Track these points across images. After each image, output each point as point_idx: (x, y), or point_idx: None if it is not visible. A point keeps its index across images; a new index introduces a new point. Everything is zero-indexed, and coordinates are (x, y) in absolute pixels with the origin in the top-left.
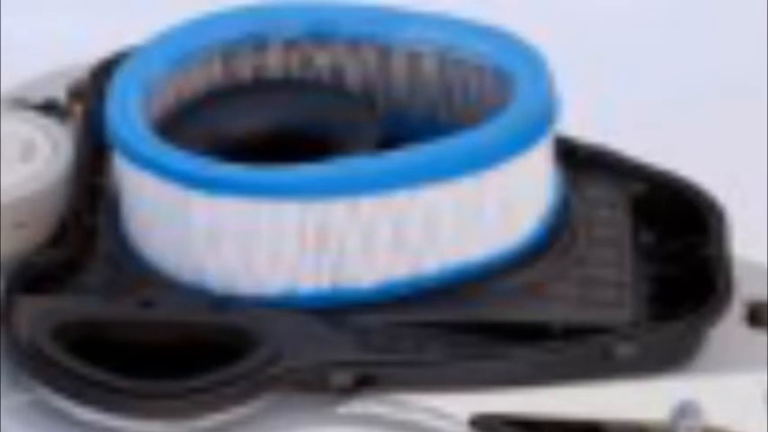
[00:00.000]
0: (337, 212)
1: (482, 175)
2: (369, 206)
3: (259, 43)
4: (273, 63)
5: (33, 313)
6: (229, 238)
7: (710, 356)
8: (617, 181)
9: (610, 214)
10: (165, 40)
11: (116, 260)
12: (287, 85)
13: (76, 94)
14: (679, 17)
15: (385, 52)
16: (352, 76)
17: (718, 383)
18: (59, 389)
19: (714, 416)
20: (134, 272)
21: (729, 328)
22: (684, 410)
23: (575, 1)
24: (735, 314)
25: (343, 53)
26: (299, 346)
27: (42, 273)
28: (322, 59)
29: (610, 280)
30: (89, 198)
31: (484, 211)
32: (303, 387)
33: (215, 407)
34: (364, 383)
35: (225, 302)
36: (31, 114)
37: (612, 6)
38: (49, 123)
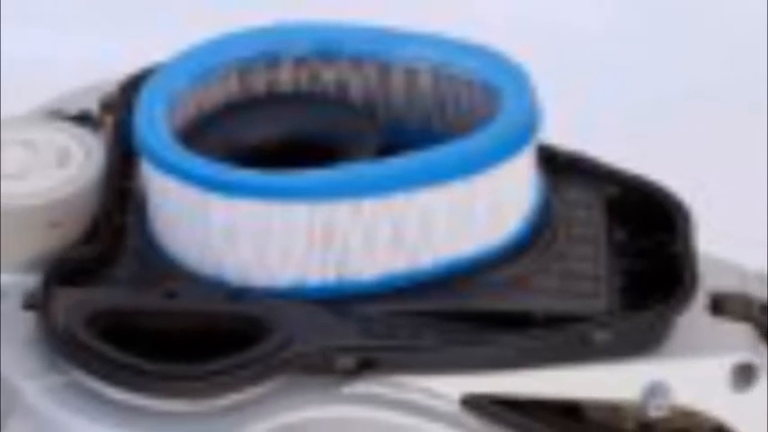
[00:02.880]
0: (342, 213)
1: (472, 179)
2: (370, 207)
3: (271, 60)
4: (284, 78)
5: (68, 303)
6: (245, 235)
7: (678, 342)
8: (593, 184)
9: (586, 214)
10: (187, 57)
11: (143, 255)
12: (297, 99)
13: (107, 106)
14: (647, 37)
15: (385, 69)
16: (355, 90)
17: (684, 366)
18: (92, 371)
19: (681, 395)
20: (159, 266)
21: (694, 317)
22: (654, 390)
23: (555, 22)
24: (699, 304)
25: (347, 69)
26: (308, 333)
27: (76, 267)
28: (328, 75)
29: (587, 273)
30: (119, 200)
31: (474, 212)
32: (311, 370)
33: (232, 387)
34: (366, 367)
35: (241, 294)
36: (67, 125)
37: (589, 27)
38: (83, 133)
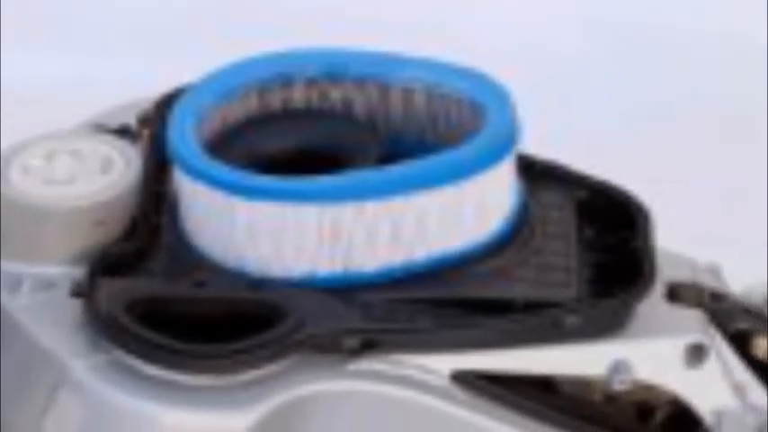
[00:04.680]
0: (347, 213)
1: (461, 184)
2: (372, 208)
3: (286, 81)
4: (297, 97)
5: (110, 292)
6: (264, 233)
7: (638, 325)
8: (565, 188)
9: (559, 215)
10: (213, 78)
11: (175, 250)
12: (308, 114)
13: (144, 121)
14: (613, 60)
15: (384, 88)
16: (359, 107)
17: (644, 346)
18: (131, 351)
19: (641, 371)
20: (189, 259)
21: (653, 303)
22: (618, 367)
23: (532, 47)
24: (657, 292)
25: (352, 89)
26: (318, 317)
27: (118, 260)
28: (335, 94)
29: (560, 266)
30: (154, 202)
31: (462, 212)
32: (321, 349)
33: (252, 364)
34: (368, 346)
35: (260, 283)
36: (109, 137)
37: (562, 52)
38: (123, 144)
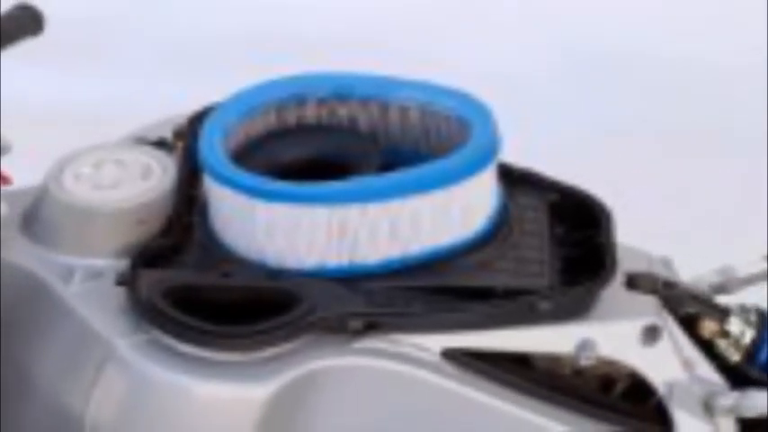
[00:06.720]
0: (352, 214)
1: (450, 188)
2: (374, 209)
3: (300, 100)
4: (310, 114)
5: (150, 281)
6: (280, 230)
7: (602, 310)
8: (539, 192)
9: (534, 215)
10: (237, 98)
11: (205, 246)
12: (319, 129)
13: (179, 134)
14: (581, 82)
15: (384, 107)
16: (363, 122)
17: (607, 327)
18: (167, 331)
19: (604, 349)
20: (217, 254)
21: (614, 291)
22: (584, 345)
23: (512, 72)
24: (617, 281)
25: (357, 107)
26: (327, 302)
27: (156, 254)
28: (342, 111)
29: (534, 259)
30: (187, 204)
31: (451, 213)
32: (330, 330)
33: (271, 343)
34: (371, 328)
35: (278, 274)
36: (149, 148)
37: (537, 75)
38: (161, 154)
